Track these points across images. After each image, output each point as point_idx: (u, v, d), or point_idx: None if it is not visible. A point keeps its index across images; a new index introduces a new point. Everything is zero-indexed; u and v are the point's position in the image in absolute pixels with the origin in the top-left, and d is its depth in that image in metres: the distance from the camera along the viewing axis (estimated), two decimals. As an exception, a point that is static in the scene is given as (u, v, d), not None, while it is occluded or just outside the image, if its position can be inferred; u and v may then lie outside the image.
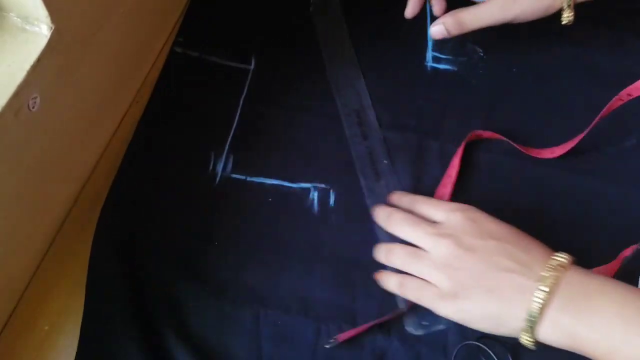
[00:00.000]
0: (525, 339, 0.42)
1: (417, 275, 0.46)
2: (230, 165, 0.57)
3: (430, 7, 0.59)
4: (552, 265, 0.41)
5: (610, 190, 0.55)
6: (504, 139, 0.56)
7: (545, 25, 0.61)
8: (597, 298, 0.40)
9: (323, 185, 0.56)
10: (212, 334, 0.50)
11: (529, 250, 0.43)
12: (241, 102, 0.59)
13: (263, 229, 0.54)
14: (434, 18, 0.62)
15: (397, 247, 0.48)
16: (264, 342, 0.50)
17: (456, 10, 0.54)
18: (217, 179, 0.56)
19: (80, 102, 0.51)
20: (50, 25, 0.42)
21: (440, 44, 0.61)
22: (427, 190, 0.55)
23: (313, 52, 0.62)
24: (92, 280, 0.52)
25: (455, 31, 0.54)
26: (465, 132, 0.57)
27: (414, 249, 0.47)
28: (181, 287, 0.52)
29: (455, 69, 0.61)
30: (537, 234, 0.45)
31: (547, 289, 0.40)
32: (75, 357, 0.49)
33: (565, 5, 0.51)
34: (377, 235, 0.53)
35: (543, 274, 0.41)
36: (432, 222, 0.47)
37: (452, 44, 0.61)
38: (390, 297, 0.51)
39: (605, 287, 0.41)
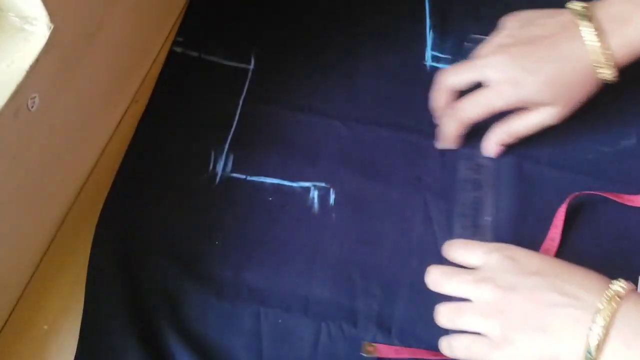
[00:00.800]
0: None
1: (467, 329, 0.43)
2: (230, 165, 0.57)
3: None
4: (609, 296, 0.38)
5: (607, 189, 0.55)
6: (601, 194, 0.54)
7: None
8: None
9: (323, 184, 0.56)
10: (213, 333, 0.50)
11: (580, 281, 0.40)
12: (241, 102, 0.60)
13: (263, 228, 0.54)
14: (433, 17, 0.63)
15: (440, 307, 0.45)
16: (264, 341, 0.50)
17: (503, 124, 0.54)
18: (217, 178, 0.56)
19: (79, 101, 0.51)
20: (49, 25, 0.42)
21: (439, 44, 0.61)
22: (429, 188, 0.55)
23: (313, 52, 0.62)
24: (91, 280, 0.52)
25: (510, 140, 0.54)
26: (465, 132, 0.57)
27: (457, 303, 0.43)
28: (181, 286, 0.52)
29: (455, 68, 0.60)
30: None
31: (603, 322, 0.37)
32: (75, 356, 0.49)
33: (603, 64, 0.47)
34: None
35: (599, 305, 0.38)
36: (472, 270, 0.44)
37: (451, 44, 0.61)
38: (390, 296, 0.51)
39: None
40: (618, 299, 0.37)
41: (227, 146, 0.58)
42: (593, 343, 0.37)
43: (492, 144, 0.54)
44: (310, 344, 0.50)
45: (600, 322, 0.37)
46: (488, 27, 0.62)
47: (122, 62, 0.56)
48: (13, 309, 0.52)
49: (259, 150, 0.57)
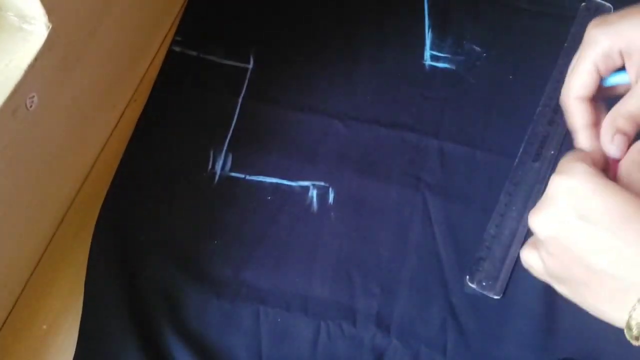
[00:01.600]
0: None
1: None
2: (229, 164, 0.57)
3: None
4: None
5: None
6: None
7: (544, 25, 0.62)
8: None
9: (322, 183, 0.56)
10: (212, 332, 0.51)
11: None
12: (240, 101, 0.59)
13: (262, 227, 0.54)
14: (432, 17, 0.62)
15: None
16: (263, 340, 0.50)
17: (615, 112, 0.40)
18: (216, 177, 0.56)
19: (78, 100, 0.51)
20: (48, 24, 0.42)
21: (438, 43, 0.61)
22: (429, 187, 0.55)
23: (312, 51, 0.62)
24: (90, 279, 0.52)
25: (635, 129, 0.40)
26: (464, 130, 0.57)
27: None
28: (181, 285, 0.52)
29: (454, 67, 0.60)
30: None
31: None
32: (74, 356, 0.49)
33: None
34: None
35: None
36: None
37: (450, 43, 0.61)
38: (389, 295, 0.51)
39: None
40: None
41: (226, 145, 0.58)
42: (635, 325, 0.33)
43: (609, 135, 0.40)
44: (310, 343, 0.50)
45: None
46: (487, 26, 0.62)
47: (120, 61, 0.56)
48: (12, 309, 0.52)
49: (258, 150, 0.57)
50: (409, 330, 0.50)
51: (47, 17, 0.42)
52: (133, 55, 0.59)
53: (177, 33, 0.63)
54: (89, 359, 0.50)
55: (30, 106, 0.43)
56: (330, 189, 0.56)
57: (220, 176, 0.56)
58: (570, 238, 0.35)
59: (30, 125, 0.44)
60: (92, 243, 0.53)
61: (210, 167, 0.57)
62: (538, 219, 0.37)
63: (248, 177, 0.56)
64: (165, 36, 0.63)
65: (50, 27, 0.42)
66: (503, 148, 0.57)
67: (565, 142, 0.56)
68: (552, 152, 0.56)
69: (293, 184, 0.56)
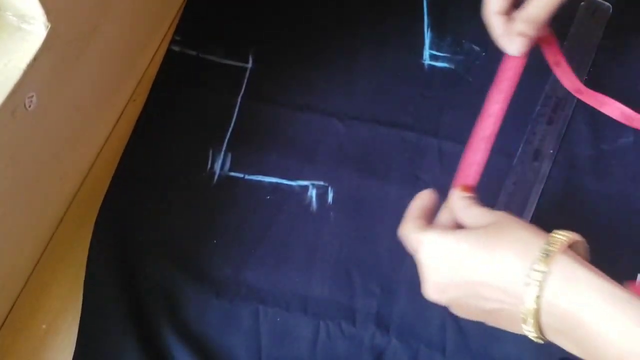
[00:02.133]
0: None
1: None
2: (228, 164, 0.57)
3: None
4: (534, 279, 0.35)
5: (606, 186, 0.55)
6: None
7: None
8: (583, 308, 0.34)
9: (321, 183, 0.56)
10: (212, 332, 0.51)
11: (500, 274, 0.37)
12: (239, 100, 0.59)
13: (262, 226, 0.54)
14: (431, 16, 0.62)
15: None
16: (263, 339, 0.51)
17: (516, 18, 0.49)
18: (216, 177, 0.56)
19: (77, 100, 0.51)
20: (47, 24, 0.42)
21: (437, 42, 0.61)
22: (427, 186, 0.55)
23: (311, 50, 0.62)
24: (90, 279, 0.52)
25: (534, 31, 0.49)
26: (463, 129, 0.57)
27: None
28: (180, 285, 0.52)
29: (453, 66, 0.60)
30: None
31: (532, 329, 0.36)
32: (74, 355, 0.49)
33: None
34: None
35: (526, 302, 0.36)
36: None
37: (449, 42, 0.61)
38: (389, 294, 0.51)
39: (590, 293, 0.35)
40: (538, 292, 0.35)
41: (225, 145, 0.57)
42: (533, 336, 0.37)
43: (511, 40, 0.49)
44: (309, 343, 0.50)
45: (529, 327, 0.36)
46: (485, 26, 0.62)
47: (120, 61, 0.56)
48: (11, 309, 0.52)
49: (257, 149, 0.57)
50: (408, 330, 0.50)
51: (46, 17, 0.42)
52: (132, 55, 0.59)
53: (176, 32, 0.63)
54: (89, 358, 0.50)
55: (29, 106, 0.43)
56: (330, 189, 0.56)
57: (219, 176, 0.56)
58: (455, 297, 0.40)
59: (29, 125, 0.44)
60: (91, 242, 0.53)
61: (209, 166, 0.57)
62: (432, 294, 0.41)
63: (247, 177, 0.56)
64: (165, 36, 0.63)
65: (49, 27, 0.42)
66: (502, 147, 0.57)
67: (565, 141, 0.57)
68: (551, 151, 0.56)
69: (292, 183, 0.56)
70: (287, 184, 0.56)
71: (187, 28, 0.63)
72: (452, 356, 0.50)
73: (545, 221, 0.53)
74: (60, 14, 0.43)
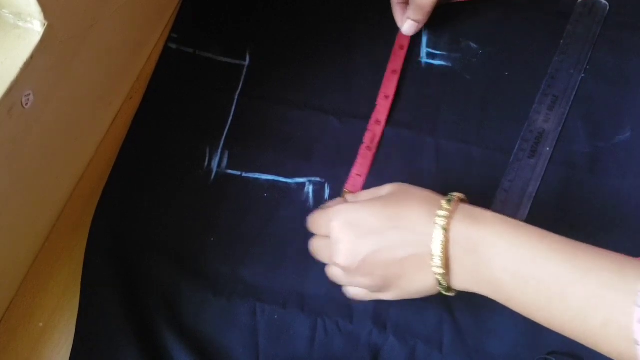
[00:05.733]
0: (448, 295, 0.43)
1: (356, 286, 0.47)
2: (225, 161, 0.57)
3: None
4: (439, 225, 0.41)
5: (603, 183, 0.55)
6: None
7: (540, 21, 0.62)
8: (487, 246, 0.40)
9: (318, 179, 0.56)
10: (209, 329, 0.51)
11: (410, 221, 0.42)
12: (236, 98, 0.59)
13: (259, 224, 0.54)
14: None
15: (327, 272, 0.48)
16: (260, 337, 0.51)
17: (409, 5, 0.59)
18: (213, 174, 0.56)
19: (74, 98, 0.50)
20: (44, 21, 0.42)
21: (434, 41, 0.61)
22: (424, 184, 0.55)
23: (307, 48, 0.62)
24: (87, 277, 0.52)
25: (421, 17, 0.58)
26: (461, 127, 0.58)
27: (333, 271, 0.47)
28: (177, 282, 0.52)
29: (450, 64, 0.61)
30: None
31: (440, 256, 0.40)
32: (71, 353, 0.50)
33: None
34: None
35: (432, 242, 0.41)
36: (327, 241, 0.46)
37: (446, 41, 0.61)
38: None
39: (493, 232, 0.40)
40: (446, 224, 0.40)
41: (222, 142, 0.58)
42: (441, 278, 0.41)
43: (407, 23, 0.59)
44: (307, 340, 0.50)
45: (437, 260, 0.41)
46: (483, 23, 0.62)
47: (116, 58, 0.56)
48: (9, 307, 0.52)
49: (254, 147, 0.57)
50: (405, 327, 0.51)
51: (43, 14, 0.41)
52: (129, 53, 0.59)
53: (173, 30, 0.63)
54: (86, 356, 0.50)
55: (26, 104, 0.43)
56: (326, 185, 0.56)
57: (216, 173, 0.56)
58: (369, 252, 0.43)
59: (26, 123, 0.44)
60: (88, 241, 0.53)
61: (206, 164, 0.57)
62: (341, 259, 0.44)
63: (244, 174, 0.56)
64: (162, 33, 0.63)
65: (46, 24, 0.42)
66: (499, 145, 0.57)
67: (561, 139, 0.57)
68: (548, 148, 0.56)
69: (289, 180, 0.56)
70: (284, 182, 0.56)
71: (183, 25, 0.63)
72: (449, 352, 0.50)
73: (542, 218, 0.53)
74: (57, 12, 0.43)
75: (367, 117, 0.58)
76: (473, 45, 0.61)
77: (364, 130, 0.58)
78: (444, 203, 0.41)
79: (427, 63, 0.61)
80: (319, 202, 0.55)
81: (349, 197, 0.49)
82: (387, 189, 0.46)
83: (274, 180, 0.56)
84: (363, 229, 0.43)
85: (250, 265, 0.53)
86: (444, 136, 0.57)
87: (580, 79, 0.59)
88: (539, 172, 0.56)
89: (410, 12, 0.59)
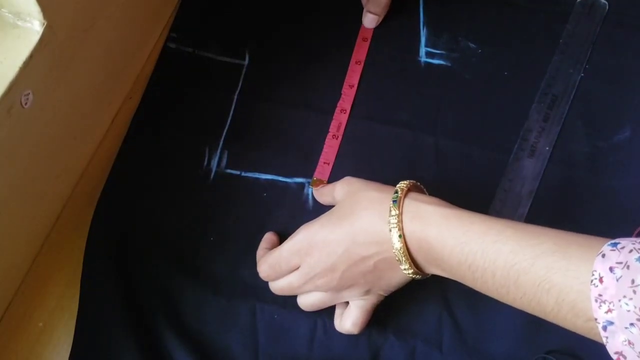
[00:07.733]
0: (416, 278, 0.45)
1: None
2: (225, 161, 0.57)
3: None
4: (393, 223, 0.42)
5: (602, 182, 0.55)
6: None
7: (540, 21, 0.62)
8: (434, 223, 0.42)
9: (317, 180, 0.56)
10: (209, 329, 0.51)
11: (367, 233, 0.44)
12: (235, 97, 0.59)
13: (258, 224, 0.54)
14: (427, 13, 0.62)
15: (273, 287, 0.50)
16: (260, 336, 0.51)
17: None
18: (212, 174, 0.56)
19: (73, 98, 0.50)
20: (43, 21, 0.42)
21: (433, 40, 0.61)
22: (424, 183, 0.55)
23: (307, 47, 0.62)
24: (86, 276, 0.52)
25: (379, 10, 0.61)
26: (460, 126, 0.58)
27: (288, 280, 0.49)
28: (177, 282, 0.52)
29: (449, 64, 0.61)
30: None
31: (406, 265, 0.43)
32: (70, 353, 0.49)
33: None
34: None
35: (395, 242, 0.42)
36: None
37: (445, 40, 0.61)
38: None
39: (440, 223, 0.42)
40: (399, 229, 0.42)
41: (221, 142, 0.57)
42: (411, 273, 0.44)
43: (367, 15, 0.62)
44: (306, 339, 0.50)
45: (404, 263, 0.43)
46: (482, 23, 0.62)
47: (116, 58, 0.56)
48: (8, 307, 0.51)
49: (253, 146, 0.57)
50: (405, 326, 0.51)
51: (42, 14, 0.41)
52: (129, 53, 0.59)
53: (172, 29, 0.63)
54: (86, 356, 0.50)
55: (26, 104, 0.43)
56: (326, 186, 0.56)
57: (215, 173, 0.56)
58: (343, 268, 0.45)
59: (25, 123, 0.44)
60: (88, 240, 0.53)
61: (205, 163, 0.57)
62: (324, 281, 0.46)
63: (244, 174, 0.56)
64: (161, 33, 0.63)
65: (45, 24, 0.42)
66: (498, 144, 0.57)
67: (560, 138, 0.57)
68: (547, 148, 0.56)
69: (289, 180, 0.56)
70: (283, 181, 0.56)
71: (183, 25, 0.63)
72: (449, 352, 0.50)
73: (541, 217, 0.53)
74: (57, 12, 0.43)
75: (366, 118, 0.58)
76: (472, 44, 0.61)
77: (362, 130, 0.58)
78: (391, 205, 0.43)
79: (426, 62, 0.61)
80: (319, 202, 0.55)
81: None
82: (339, 190, 0.48)
83: (273, 180, 0.56)
84: (327, 249, 0.45)
85: (250, 265, 0.52)
86: (443, 135, 0.57)
87: (579, 78, 0.59)
88: (539, 171, 0.56)
89: (370, 5, 0.61)
